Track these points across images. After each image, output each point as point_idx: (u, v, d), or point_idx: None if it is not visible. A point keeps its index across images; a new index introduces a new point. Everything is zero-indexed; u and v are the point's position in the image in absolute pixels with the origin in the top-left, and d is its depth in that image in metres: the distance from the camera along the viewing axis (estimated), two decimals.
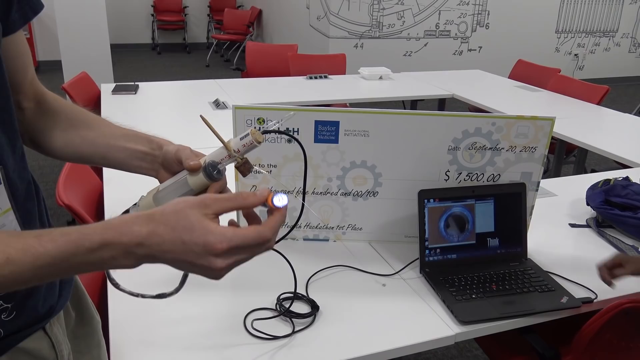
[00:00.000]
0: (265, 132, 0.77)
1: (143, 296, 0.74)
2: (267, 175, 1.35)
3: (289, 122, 1.30)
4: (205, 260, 0.59)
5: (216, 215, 0.62)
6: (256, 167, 0.80)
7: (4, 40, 0.68)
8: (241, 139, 0.74)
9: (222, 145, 0.76)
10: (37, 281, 0.58)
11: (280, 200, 0.65)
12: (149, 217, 0.60)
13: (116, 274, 1.08)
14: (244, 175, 0.77)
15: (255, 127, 0.72)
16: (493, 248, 1.34)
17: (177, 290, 0.73)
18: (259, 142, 0.74)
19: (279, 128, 0.79)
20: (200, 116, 0.80)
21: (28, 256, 0.55)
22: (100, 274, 1.33)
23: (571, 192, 1.81)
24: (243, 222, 0.68)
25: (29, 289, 0.71)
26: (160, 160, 0.80)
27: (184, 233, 0.59)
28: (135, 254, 0.59)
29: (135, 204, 0.81)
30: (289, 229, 0.90)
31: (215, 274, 0.61)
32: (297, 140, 0.85)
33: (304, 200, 0.93)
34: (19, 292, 0.69)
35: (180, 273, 0.69)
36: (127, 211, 0.81)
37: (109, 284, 1.21)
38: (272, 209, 0.66)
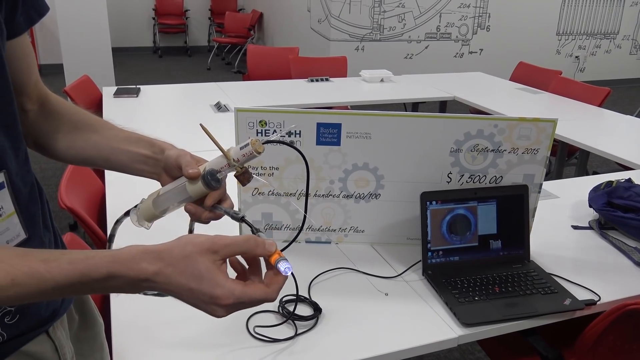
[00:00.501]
0: (267, 142, 0.77)
1: (145, 293, 0.75)
2: (267, 181, 1.35)
3: (290, 125, 1.30)
4: (209, 308, 0.62)
5: (224, 261, 0.63)
6: (255, 177, 0.80)
7: (9, 43, 0.69)
8: (241, 148, 0.74)
9: (221, 153, 0.75)
10: (39, 300, 0.59)
11: (285, 269, 0.66)
12: (157, 255, 0.60)
13: None
14: (243, 184, 0.77)
15: (256, 137, 0.72)
16: (495, 250, 1.34)
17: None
18: (259, 153, 0.74)
19: (280, 137, 0.79)
20: (200, 125, 0.80)
21: (33, 280, 0.56)
22: None
23: (573, 194, 1.81)
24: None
25: None
26: (162, 165, 0.81)
27: (191, 281, 0.60)
28: (141, 287, 0.61)
29: (135, 206, 0.81)
30: (288, 243, 0.90)
31: (215, 317, 0.64)
32: (299, 151, 0.85)
33: (305, 212, 0.93)
34: None
35: None
36: (127, 213, 0.81)
37: None
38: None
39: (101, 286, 0.59)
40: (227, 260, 0.65)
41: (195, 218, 0.78)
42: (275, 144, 1.31)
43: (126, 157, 0.82)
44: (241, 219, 0.76)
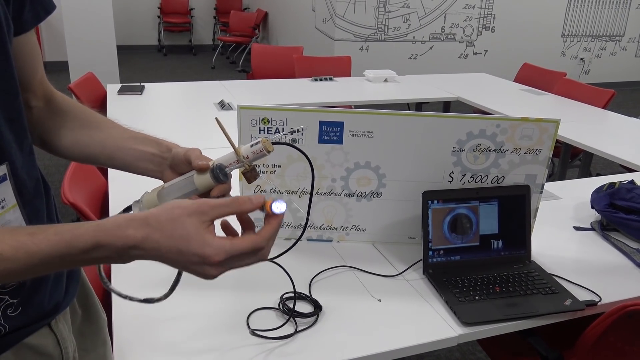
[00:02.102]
0: (275, 143, 0.78)
1: (131, 299, 0.75)
2: (270, 180, 1.36)
3: (293, 123, 1.30)
4: (200, 268, 0.61)
5: (212, 222, 0.62)
6: (262, 176, 0.81)
7: (16, 40, 0.69)
8: (252, 146, 0.75)
9: (231, 150, 0.76)
10: (30, 275, 0.59)
11: (278, 207, 0.66)
12: (143, 221, 0.60)
13: (118, 272, 1.09)
14: (249, 182, 0.78)
15: (266, 137, 0.73)
16: (497, 250, 1.34)
17: (165, 296, 0.73)
18: (269, 152, 0.75)
19: (290, 139, 0.80)
20: (216, 119, 0.81)
21: (21, 254, 0.56)
22: (107, 273, 1.33)
23: (576, 195, 1.81)
24: None
25: (35, 286, 0.71)
26: (168, 162, 0.81)
27: (180, 242, 0.59)
28: (129, 255, 0.60)
29: (138, 200, 0.81)
30: (287, 248, 0.90)
31: (208, 279, 0.63)
32: (305, 155, 0.85)
33: (308, 215, 0.94)
34: (26, 288, 0.70)
35: (172, 277, 0.70)
36: (129, 207, 0.81)
37: (112, 281, 1.21)
38: (268, 215, 0.67)
39: (89, 257, 0.58)
40: (220, 224, 0.65)
41: None
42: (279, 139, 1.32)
43: (131, 155, 0.83)
44: None
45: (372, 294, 1.23)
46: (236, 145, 0.76)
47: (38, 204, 0.73)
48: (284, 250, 0.93)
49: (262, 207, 0.67)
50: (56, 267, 0.59)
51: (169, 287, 0.73)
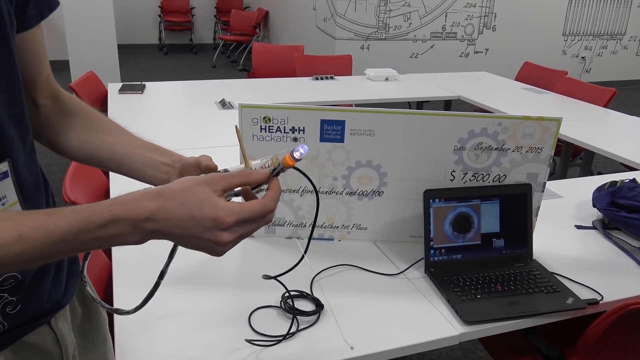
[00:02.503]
0: (285, 168, 0.78)
1: (102, 305, 0.77)
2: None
3: (294, 122, 1.30)
4: (213, 235, 0.61)
5: (222, 192, 0.64)
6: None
7: (20, 36, 0.69)
8: (262, 161, 0.75)
9: (241, 158, 0.76)
10: (46, 259, 0.59)
11: (300, 151, 0.68)
12: (157, 193, 0.61)
13: (118, 273, 1.09)
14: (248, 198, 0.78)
15: (276, 156, 0.73)
16: (498, 249, 1.34)
17: (135, 309, 0.75)
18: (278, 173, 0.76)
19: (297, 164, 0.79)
20: (235, 127, 0.82)
21: (40, 233, 0.56)
22: (105, 271, 1.33)
23: (577, 194, 1.81)
24: None
25: (34, 283, 0.71)
26: (177, 171, 0.82)
27: (193, 208, 0.61)
28: (143, 229, 0.60)
29: None
30: (290, 267, 0.90)
31: (220, 248, 0.63)
32: (310, 179, 0.85)
33: (312, 227, 0.93)
34: (25, 286, 0.70)
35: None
36: None
37: (114, 280, 1.21)
38: (270, 180, 0.70)
39: (105, 234, 0.59)
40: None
41: None
42: (280, 137, 1.32)
43: (139, 162, 0.83)
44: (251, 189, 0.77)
45: (368, 295, 1.22)
46: (248, 160, 0.77)
47: (38, 200, 0.73)
48: (287, 270, 0.93)
49: (276, 171, 0.69)
50: (71, 248, 0.59)
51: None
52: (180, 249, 0.69)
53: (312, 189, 1.38)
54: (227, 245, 0.63)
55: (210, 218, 0.60)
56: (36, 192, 0.72)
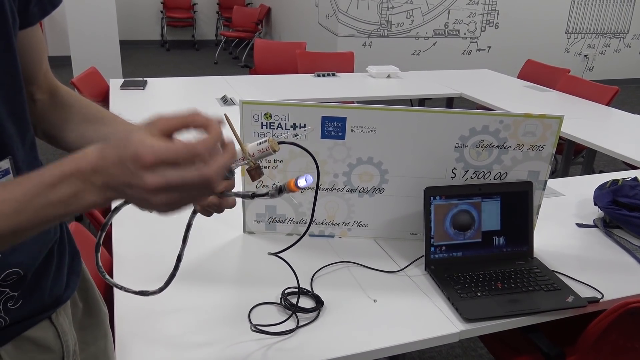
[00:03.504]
0: (282, 142, 0.79)
1: (126, 290, 0.79)
2: (269, 176, 1.37)
3: (295, 118, 1.30)
4: (137, 177, 0.54)
5: (163, 134, 0.57)
6: (265, 171, 0.81)
7: (21, 33, 0.69)
8: (258, 144, 0.76)
9: (237, 146, 0.77)
10: (8, 238, 0.56)
11: (304, 181, 0.67)
12: (102, 143, 0.57)
13: (120, 274, 1.09)
14: (253, 179, 0.79)
15: (272, 137, 0.73)
16: (499, 246, 1.34)
17: (160, 290, 0.77)
18: (275, 151, 0.76)
19: (292, 135, 0.80)
20: (224, 115, 0.81)
21: None
22: (106, 267, 1.33)
23: (579, 192, 1.80)
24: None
25: (35, 279, 0.71)
26: None
27: (121, 150, 0.55)
28: (95, 184, 0.56)
29: None
30: (292, 243, 0.90)
31: (149, 196, 0.55)
32: (311, 154, 0.85)
33: (313, 212, 0.93)
34: (26, 282, 0.70)
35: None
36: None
37: (114, 276, 1.21)
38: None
39: (59, 196, 0.55)
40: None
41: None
42: (281, 133, 1.32)
43: None
44: (252, 196, 0.78)
45: (368, 293, 1.22)
46: (242, 142, 0.77)
47: None
48: (288, 245, 0.93)
49: (280, 189, 0.67)
50: (30, 219, 0.55)
51: (166, 283, 0.74)
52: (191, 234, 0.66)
53: (313, 187, 1.38)
54: (157, 195, 0.55)
55: (131, 156, 0.54)
56: None
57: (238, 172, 0.85)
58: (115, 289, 1.17)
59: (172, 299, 1.14)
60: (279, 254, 1.03)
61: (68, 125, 0.83)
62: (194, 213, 0.81)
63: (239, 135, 0.78)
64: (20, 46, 0.68)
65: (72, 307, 0.82)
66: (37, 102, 0.81)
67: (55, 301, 0.76)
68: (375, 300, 1.17)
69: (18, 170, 0.67)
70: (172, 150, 0.55)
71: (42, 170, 0.56)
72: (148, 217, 0.85)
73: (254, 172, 0.78)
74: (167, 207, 0.57)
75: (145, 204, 0.57)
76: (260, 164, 0.78)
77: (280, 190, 0.69)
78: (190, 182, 0.55)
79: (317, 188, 0.85)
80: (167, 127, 0.58)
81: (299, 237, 0.95)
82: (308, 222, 1.41)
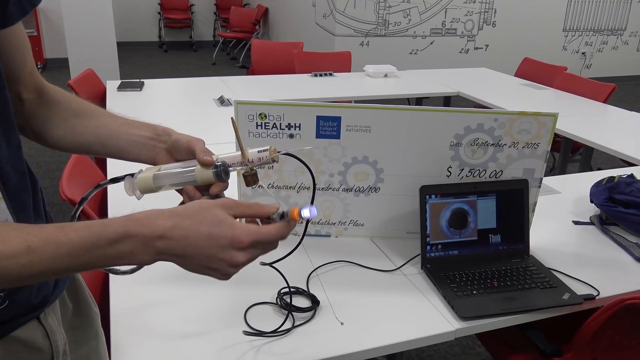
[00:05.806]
0: (284, 154, 0.80)
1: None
2: (266, 190, 1.37)
3: (290, 118, 1.30)
4: (229, 254, 0.62)
5: (236, 218, 0.65)
6: (261, 184, 0.83)
7: (2, 33, 0.69)
8: (259, 151, 0.77)
9: (238, 150, 0.77)
10: (52, 275, 0.58)
11: (307, 212, 0.69)
12: (172, 211, 0.61)
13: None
14: (248, 185, 0.80)
15: (274, 147, 0.76)
16: (495, 244, 1.34)
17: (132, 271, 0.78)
18: (274, 161, 0.78)
19: (294, 151, 0.82)
20: (231, 118, 0.83)
21: (49, 245, 0.55)
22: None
23: (575, 190, 1.81)
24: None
25: None
26: (166, 146, 0.82)
27: (211, 227, 0.61)
28: (155, 247, 0.60)
29: (132, 174, 0.82)
30: (287, 253, 0.90)
31: (233, 270, 0.63)
32: (308, 168, 0.85)
33: (307, 222, 0.93)
34: None
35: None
36: (119, 178, 0.82)
37: (110, 278, 1.21)
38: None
39: (115, 250, 0.58)
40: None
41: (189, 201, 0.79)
42: (276, 134, 1.31)
43: (123, 141, 0.83)
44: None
45: (366, 292, 1.22)
46: (244, 148, 0.77)
47: (24, 197, 0.72)
48: (283, 256, 0.92)
49: (282, 215, 0.70)
50: (80, 264, 0.58)
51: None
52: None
53: (309, 186, 1.37)
54: (239, 267, 0.63)
55: (228, 236, 0.61)
56: (22, 189, 0.72)
57: (234, 174, 0.85)
58: (111, 290, 1.17)
59: (167, 299, 1.14)
60: (272, 264, 1.02)
61: (56, 122, 0.83)
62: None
63: (242, 140, 0.78)
64: (2, 46, 0.68)
65: (62, 307, 0.82)
66: (24, 102, 0.81)
67: (43, 301, 0.75)
68: (342, 323, 1.11)
69: (1, 170, 0.67)
70: (265, 234, 0.64)
71: (103, 222, 0.59)
72: None
73: (250, 178, 0.79)
74: (234, 272, 0.66)
75: (217, 273, 0.64)
76: (257, 170, 0.79)
77: (282, 217, 0.71)
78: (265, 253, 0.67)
79: (314, 196, 0.86)
80: (241, 215, 0.66)
81: (296, 237, 0.95)
82: (304, 227, 1.40)
